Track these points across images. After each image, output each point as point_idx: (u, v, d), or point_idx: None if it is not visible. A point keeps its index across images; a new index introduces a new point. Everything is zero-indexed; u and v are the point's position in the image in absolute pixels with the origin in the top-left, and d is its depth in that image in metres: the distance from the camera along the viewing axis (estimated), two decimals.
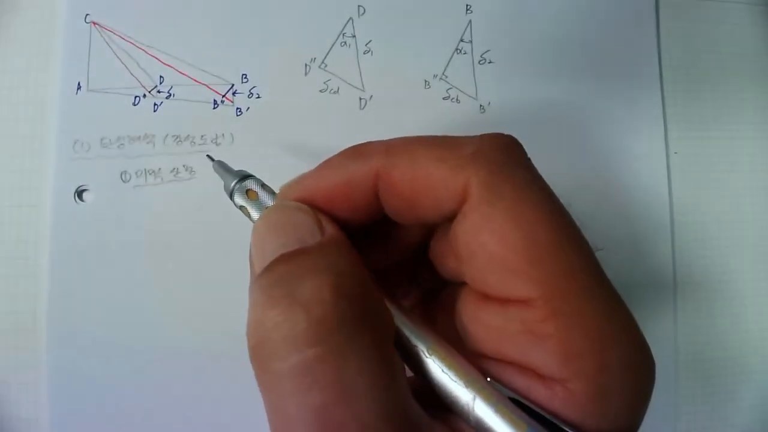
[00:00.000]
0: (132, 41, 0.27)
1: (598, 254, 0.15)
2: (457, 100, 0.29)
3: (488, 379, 0.15)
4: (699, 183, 0.31)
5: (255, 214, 0.18)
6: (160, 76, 0.27)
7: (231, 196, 0.19)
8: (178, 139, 0.27)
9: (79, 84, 0.27)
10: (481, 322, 0.16)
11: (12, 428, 0.26)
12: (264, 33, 0.28)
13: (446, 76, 0.29)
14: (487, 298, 0.15)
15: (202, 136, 0.27)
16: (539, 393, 0.14)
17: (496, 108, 0.29)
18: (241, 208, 0.19)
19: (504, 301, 0.15)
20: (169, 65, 0.28)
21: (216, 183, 0.27)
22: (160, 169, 0.27)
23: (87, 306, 0.26)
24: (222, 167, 0.20)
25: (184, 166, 0.27)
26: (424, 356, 0.15)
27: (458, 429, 0.14)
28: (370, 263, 0.19)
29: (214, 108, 0.28)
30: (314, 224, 0.16)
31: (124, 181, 0.27)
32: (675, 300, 0.30)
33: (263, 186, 0.19)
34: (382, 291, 0.16)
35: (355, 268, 0.15)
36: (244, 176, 0.19)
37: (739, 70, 0.32)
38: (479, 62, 0.30)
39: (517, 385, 0.14)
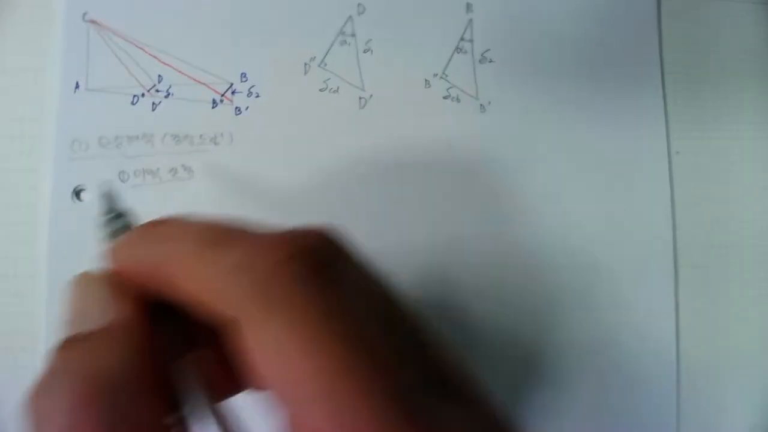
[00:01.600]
0: (130, 40, 0.27)
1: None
2: (457, 99, 0.29)
3: None
4: (700, 182, 0.31)
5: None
6: (159, 75, 0.27)
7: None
8: (176, 139, 0.27)
9: (77, 83, 0.27)
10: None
11: (10, 429, 0.26)
12: (263, 32, 0.28)
13: (446, 75, 0.29)
14: None
15: (200, 135, 0.27)
16: None
17: (497, 107, 0.29)
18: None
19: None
20: (167, 64, 0.27)
21: (215, 183, 0.27)
22: (158, 168, 0.27)
23: None
24: (107, 199, 0.20)
25: (182, 165, 0.27)
26: None
27: None
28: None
29: (213, 107, 0.28)
30: (109, 304, 0.15)
31: (122, 181, 0.27)
32: (676, 299, 0.29)
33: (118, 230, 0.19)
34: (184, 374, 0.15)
35: (120, 363, 0.14)
36: (117, 215, 0.19)
37: (740, 70, 0.32)
38: (480, 61, 0.29)
39: None
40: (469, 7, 0.30)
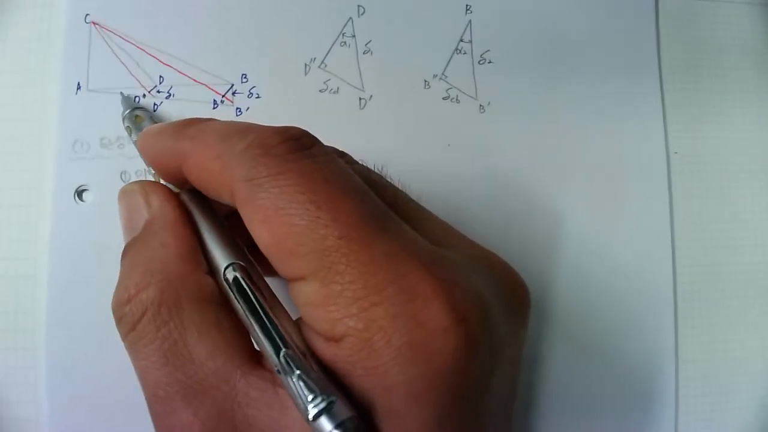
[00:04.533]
0: (132, 41, 0.27)
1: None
2: (456, 100, 0.29)
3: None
4: (699, 182, 0.31)
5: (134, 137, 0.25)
6: (160, 76, 0.27)
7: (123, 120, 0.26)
8: None
9: (78, 84, 0.27)
10: (292, 300, 0.17)
11: (11, 428, 0.26)
12: (263, 33, 0.28)
13: (446, 76, 0.29)
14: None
15: None
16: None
17: (496, 108, 0.29)
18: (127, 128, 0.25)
19: (292, 280, 0.16)
20: (168, 65, 0.28)
21: None
22: None
23: (87, 306, 0.26)
24: (126, 100, 0.27)
25: None
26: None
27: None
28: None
29: (214, 108, 0.28)
30: (143, 207, 0.19)
31: (123, 182, 0.27)
32: (675, 299, 0.30)
33: (137, 117, 0.25)
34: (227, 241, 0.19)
35: (162, 250, 0.18)
36: (134, 107, 0.26)
37: (739, 70, 0.32)
38: (479, 62, 0.30)
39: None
40: (468, 8, 0.30)
